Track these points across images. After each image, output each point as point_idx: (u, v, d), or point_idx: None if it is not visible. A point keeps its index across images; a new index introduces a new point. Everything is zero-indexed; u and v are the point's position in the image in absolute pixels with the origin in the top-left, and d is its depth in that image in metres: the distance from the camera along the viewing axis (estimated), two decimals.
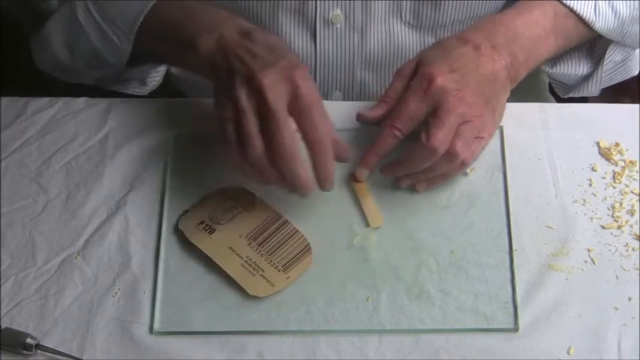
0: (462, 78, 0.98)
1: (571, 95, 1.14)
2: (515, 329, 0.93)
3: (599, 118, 1.08)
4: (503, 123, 1.05)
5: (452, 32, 1.14)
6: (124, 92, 1.10)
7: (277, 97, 0.94)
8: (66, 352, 0.92)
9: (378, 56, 1.14)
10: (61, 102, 1.10)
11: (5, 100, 1.10)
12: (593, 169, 1.04)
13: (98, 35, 1.06)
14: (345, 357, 0.92)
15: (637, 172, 1.03)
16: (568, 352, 0.92)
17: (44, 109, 1.09)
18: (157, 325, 0.94)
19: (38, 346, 0.92)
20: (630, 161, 1.04)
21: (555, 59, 1.10)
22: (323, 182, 0.97)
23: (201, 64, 1.00)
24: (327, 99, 1.16)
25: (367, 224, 1.00)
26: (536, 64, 1.06)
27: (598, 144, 1.05)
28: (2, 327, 0.93)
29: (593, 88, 1.11)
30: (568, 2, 1.05)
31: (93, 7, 1.05)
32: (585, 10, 1.05)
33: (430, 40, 1.14)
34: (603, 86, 1.12)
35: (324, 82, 1.15)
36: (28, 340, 0.92)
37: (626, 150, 1.05)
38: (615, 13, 1.06)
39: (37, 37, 1.11)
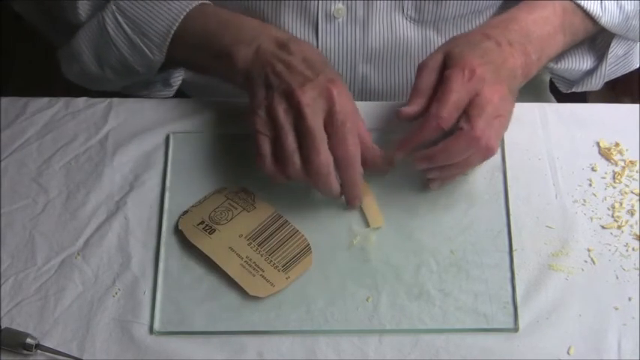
0: (496, 70, 0.98)
1: (573, 90, 1.14)
2: (515, 329, 0.93)
3: (599, 118, 1.08)
4: None
5: (453, 26, 1.14)
6: (149, 97, 1.10)
7: (315, 114, 0.95)
8: (66, 352, 0.92)
9: (380, 51, 1.14)
10: (61, 102, 1.10)
11: (5, 100, 1.10)
12: (593, 169, 1.04)
13: (129, 47, 1.06)
14: (345, 357, 0.92)
15: (637, 172, 1.03)
16: (568, 352, 0.92)
17: (44, 109, 1.09)
18: (156, 325, 0.94)
19: (38, 346, 0.92)
20: (630, 161, 1.04)
21: (559, 55, 1.10)
22: (351, 200, 0.99)
23: (237, 76, 1.01)
24: None
25: (367, 224, 1.00)
26: (545, 62, 1.06)
27: (598, 144, 1.05)
28: (2, 327, 0.93)
29: (597, 82, 1.12)
30: None
31: (123, 20, 1.05)
32: (592, 6, 1.05)
33: (432, 34, 1.14)
34: (606, 80, 1.12)
35: None
36: (28, 340, 0.92)
37: (626, 150, 1.05)
38: (620, 8, 1.07)
39: (66, 49, 1.11)
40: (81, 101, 1.10)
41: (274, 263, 0.97)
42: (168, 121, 1.08)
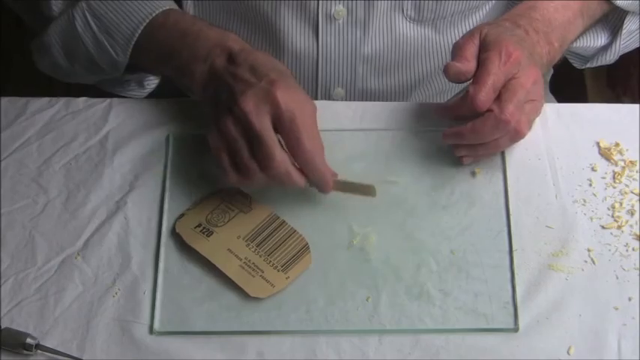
0: (530, 56, 1.00)
1: (588, 66, 1.15)
2: (515, 329, 0.93)
3: (599, 118, 1.08)
4: None
5: (451, 24, 1.15)
6: (122, 94, 1.11)
7: (261, 118, 0.95)
8: (66, 352, 0.92)
9: (380, 52, 1.14)
10: (61, 102, 1.10)
11: (5, 100, 1.10)
12: (593, 169, 1.04)
13: (95, 45, 1.07)
14: (345, 357, 0.92)
15: (637, 172, 1.03)
16: (568, 352, 0.92)
17: (44, 109, 1.09)
18: (157, 325, 0.94)
19: (38, 346, 0.92)
20: (630, 161, 1.04)
21: None
22: (322, 188, 0.99)
23: (197, 93, 1.02)
24: (329, 96, 1.16)
25: (366, 225, 1.00)
26: (566, 48, 1.08)
27: (598, 144, 1.05)
28: (2, 327, 0.93)
29: (611, 58, 1.14)
30: None
31: (91, 18, 1.06)
32: None
33: (430, 32, 1.14)
34: (619, 55, 1.14)
35: (326, 78, 1.15)
36: (28, 340, 0.92)
37: (626, 150, 1.05)
38: None
39: (37, 42, 1.12)
40: (81, 101, 1.10)
41: (273, 263, 0.97)
42: (168, 121, 1.08)
